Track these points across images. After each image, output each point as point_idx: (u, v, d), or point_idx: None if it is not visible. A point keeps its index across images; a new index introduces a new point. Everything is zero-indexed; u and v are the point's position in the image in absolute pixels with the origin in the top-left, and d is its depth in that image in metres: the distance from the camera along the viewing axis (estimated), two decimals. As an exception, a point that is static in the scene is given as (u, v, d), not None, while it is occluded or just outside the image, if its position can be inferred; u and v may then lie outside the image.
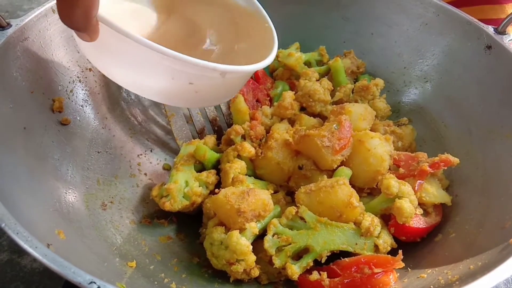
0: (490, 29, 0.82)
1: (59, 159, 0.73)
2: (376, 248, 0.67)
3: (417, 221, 0.70)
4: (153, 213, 0.80)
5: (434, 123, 0.90)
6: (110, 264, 0.62)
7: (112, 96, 0.90)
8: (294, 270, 0.65)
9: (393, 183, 0.68)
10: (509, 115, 0.76)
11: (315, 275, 0.64)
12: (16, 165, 0.63)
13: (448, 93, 0.89)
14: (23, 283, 0.75)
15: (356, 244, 0.66)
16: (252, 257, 0.65)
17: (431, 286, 0.58)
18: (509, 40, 0.80)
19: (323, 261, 0.66)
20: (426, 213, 0.72)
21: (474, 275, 0.53)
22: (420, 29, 0.94)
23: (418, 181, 0.72)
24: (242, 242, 0.64)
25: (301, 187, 0.71)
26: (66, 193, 0.70)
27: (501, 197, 0.69)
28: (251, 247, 0.65)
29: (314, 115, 0.89)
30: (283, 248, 0.66)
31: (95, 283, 0.46)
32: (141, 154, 0.90)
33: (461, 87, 0.86)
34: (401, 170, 0.74)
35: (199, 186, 0.78)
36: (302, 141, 0.74)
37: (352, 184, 0.70)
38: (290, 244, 0.66)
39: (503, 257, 0.54)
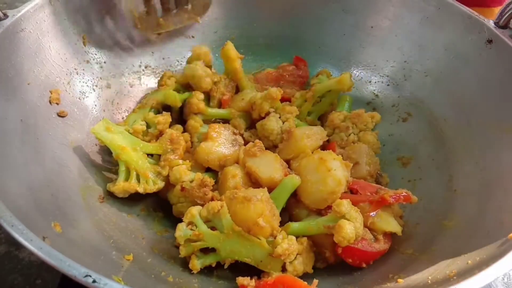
0: (491, 23, 0.81)
1: (56, 151, 0.72)
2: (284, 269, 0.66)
3: (365, 245, 0.68)
4: (150, 206, 0.80)
5: (433, 118, 0.89)
6: (106, 257, 0.62)
7: (110, 89, 0.89)
8: (196, 265, 0.67)
9: (345, 203, 0.66)
10: (509, 110, 0.75)
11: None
12: (12, 157, 0.63)
13: (448, 88, 0.88)
14: (21, 275, 0.75)
15: (261, 261, 0.66)
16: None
17: (429, 281, 0.58)
18: (510, 34, 0.79)
19: (225, 267, 0.68)
20: (375, 239, 0.71)
21: (472, 270, 0.53)
22: (420, 23, 0.93)
23: (373, 212, 0.70)
24: None
25: (227, 191, 0.70)
26: (63, 185, 0.69)
27: (501, 192, 0.69)
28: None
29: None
30: (191, 243, 0.67)
31: (90, 276, 0.45)
32: (139, 147, 0.89)
33: (461, 81, 0.85)
34: (358, 195, 0.73)
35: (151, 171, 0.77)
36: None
37: (300, 200, 0.71)
38: (199, 241, 0.67)
39: (501, 252, 0.54)
